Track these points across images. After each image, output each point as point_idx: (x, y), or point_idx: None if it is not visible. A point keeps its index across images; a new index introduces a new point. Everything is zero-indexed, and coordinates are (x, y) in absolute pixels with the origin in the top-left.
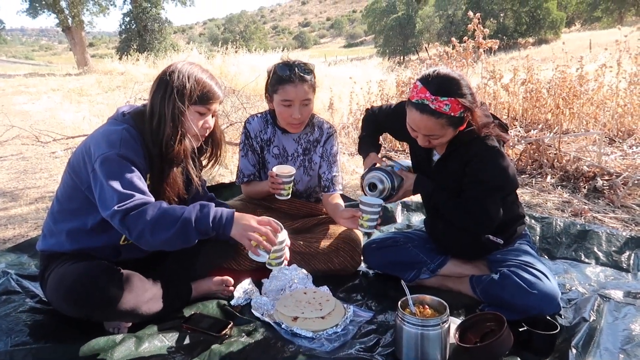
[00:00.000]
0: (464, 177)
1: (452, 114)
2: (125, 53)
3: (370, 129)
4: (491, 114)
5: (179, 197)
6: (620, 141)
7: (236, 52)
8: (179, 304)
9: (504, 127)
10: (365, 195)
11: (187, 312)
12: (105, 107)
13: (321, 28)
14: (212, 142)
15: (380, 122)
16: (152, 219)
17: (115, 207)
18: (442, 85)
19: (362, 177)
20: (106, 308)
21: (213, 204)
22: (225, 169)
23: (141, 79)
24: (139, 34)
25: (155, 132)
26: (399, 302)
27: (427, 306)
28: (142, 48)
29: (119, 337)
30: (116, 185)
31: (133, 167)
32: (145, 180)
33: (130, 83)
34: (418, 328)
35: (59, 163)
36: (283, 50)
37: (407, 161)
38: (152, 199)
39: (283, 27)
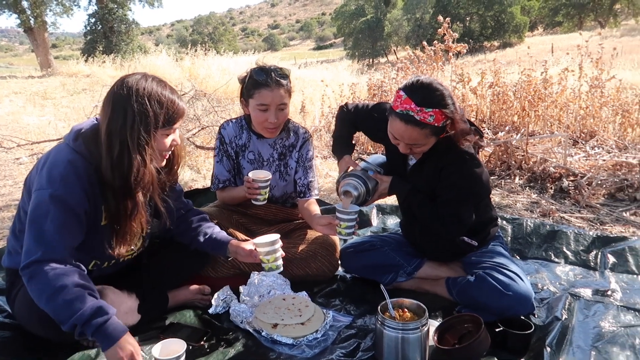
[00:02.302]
0: (438, 182)
1: (436, 124)
2: (91, 55)
3: (345, 129)
4: (467, 119)
5: (142, 229)
6: (583, 142)
7: (205, 54)
8: (156, 313)
9: (479, 133)
10: (341, 201)
11: (164, 322)
12: (71, 110)
13: (290, 30)
14: (172, 155)
15: (355, 122)
16: (46, 300)
17: (20, 270)
18: (427, 96)
19: (337, 182)
20: None
21: (112, 313)
22: (198, 174)
23: (108, 81)
24: (105, 35)
25: (117, 164)
26: (379, 306)
27: (406, 310)
28: (109, 50)
29: (93, 351)
30: (32, 235)
31: (64, 211)
32: (102, 212)
33: (96, 86)
34: (398, 332)
35: (23, 170)
36: (254, 52)
37: (380, 157)
38: (63, 255)
39: (252, 29)
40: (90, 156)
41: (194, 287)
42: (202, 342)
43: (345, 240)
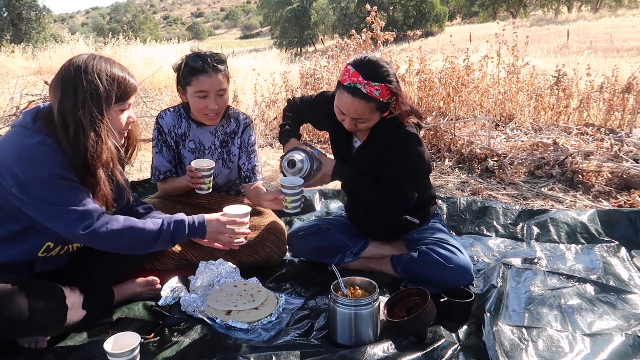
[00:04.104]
0: (383, 162)
1: (381, 99)
2: None
3: (291, 119)
4: (408, 103)
5: (107, 206)
6: (503, 125)
7: (127, 43)
8: (102, 309)
9: (419, 115)
10: (285, 174)
11: (113, 317)
12: None
13: (215, 19)
14: (127, 134)
15: (301, 112)
16: (129, 242)
17: (81, 232)
18: (374, 70)
19: (282, 158)
20: (23, 324)
21: (186, 218)
22: (131, 167)
23: (20, 72)
24: (13, 22)
25: (74, 144)
26: (332, 285)
27: (357, 287)
28: (18, 39)
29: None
30: (69, 206)
31: (69, 184)
32: None
33: (7, 77)
34: (351, 308)
35: None
36: (178, 41)
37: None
38: (97, 208)
39: (175, 17)
40: (53, 136)
41: (141, 279)
42: (154, 334)
43: (290, 225)
